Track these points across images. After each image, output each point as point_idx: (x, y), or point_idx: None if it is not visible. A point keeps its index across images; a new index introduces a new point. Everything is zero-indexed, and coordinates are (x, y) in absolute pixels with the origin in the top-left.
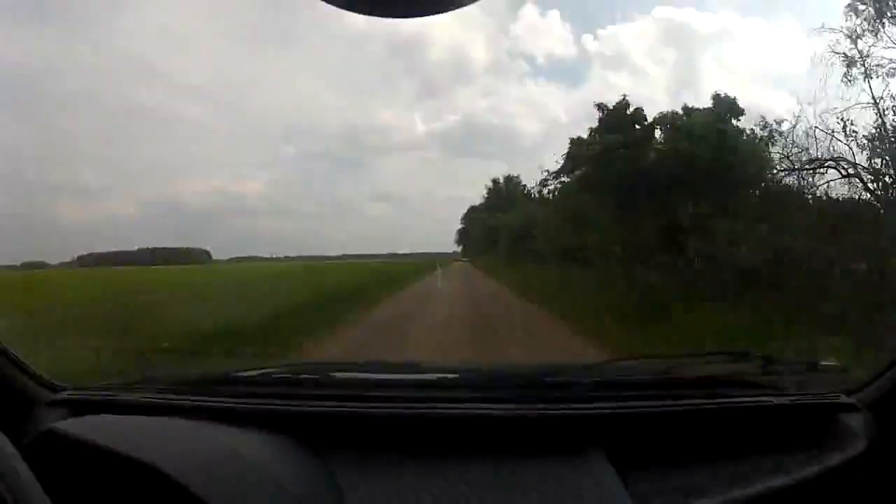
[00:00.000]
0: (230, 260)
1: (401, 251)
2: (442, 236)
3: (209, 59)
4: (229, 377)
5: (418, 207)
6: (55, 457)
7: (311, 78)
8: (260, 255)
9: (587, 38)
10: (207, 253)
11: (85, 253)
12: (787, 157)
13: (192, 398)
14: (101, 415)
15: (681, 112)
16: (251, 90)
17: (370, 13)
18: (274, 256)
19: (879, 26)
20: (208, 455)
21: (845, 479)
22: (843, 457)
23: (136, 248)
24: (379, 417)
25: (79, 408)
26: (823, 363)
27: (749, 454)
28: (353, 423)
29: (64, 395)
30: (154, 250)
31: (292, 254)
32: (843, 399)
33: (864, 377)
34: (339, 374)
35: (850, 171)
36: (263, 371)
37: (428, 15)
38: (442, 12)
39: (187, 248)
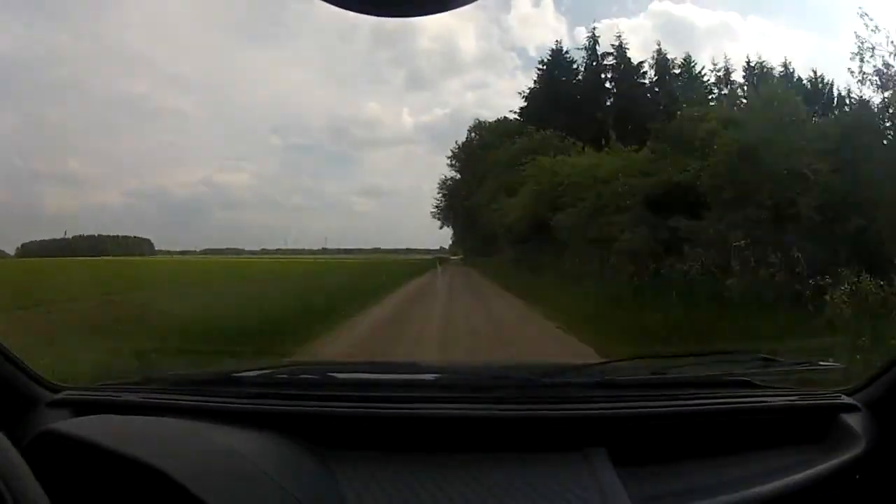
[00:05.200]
0: (203, 251)
1: (385, 247)
2: (429, 233)
3: (196, 49)
4: (229, 377)
5: (405, 203)
6: (55, 457)
7: (297, 67)
8: (239, 247)
9: (581, 32)
10: (149, 243)
11: (27, 241)
12: None
13: (192, 398)
14: (101, 415)
15: None
16: (238, 80)
17: (364, 12)
18: (247, 249)
19: None
20: (208, 455)
21: (845, 479)
22: (843, 457)
23: (70, 236)
24: (379, 417)
25: (79, 408)
26: (823, 363)
27: (749, 454)
28: (352, 423)
29: (64, 395)
30: (89, 238)
31: (270, 247)
32: (843, 399)
33: (864, 377)
34: (338, 375)
35: None
36: (263, 371)
37: (425, 14)
38: (438, 12)
39: (125, 237)
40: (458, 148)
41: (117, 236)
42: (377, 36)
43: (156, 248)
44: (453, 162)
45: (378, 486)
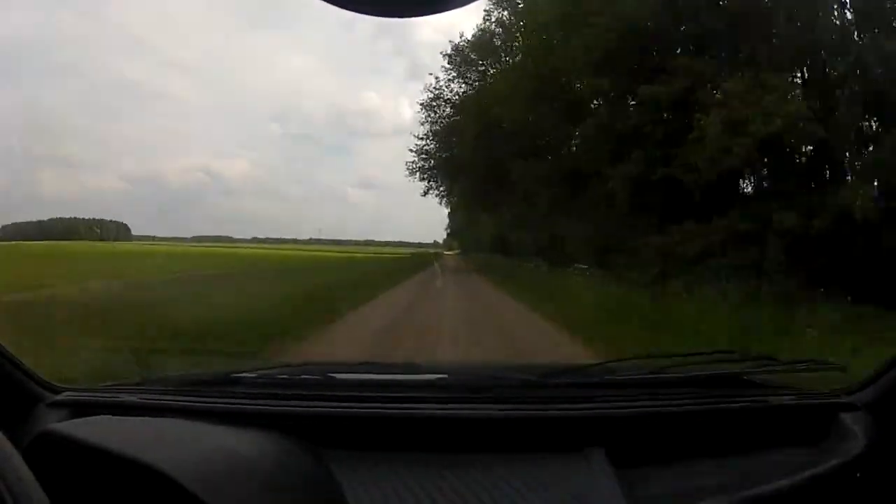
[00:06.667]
0: (194, 238)
1: (378, 239)
2: (421, 227)
3: (197, 35)
4: (229, 378)
5: (400, 195)
6: (55, 457)
7: (299, 55)
8: (230, 235)
9: None
10: (125, 228)
11: (8, 223)
12: None
13: (192, 398)
14: (101, 415)
15: None
16: (239, 66)
17: (364, 11)
18: (238, 238)
19: None
20: (208, 455)
21: (845, 479)
22: (843, 457)
23: (47, 218)
24: (379, 418)
25: (79, 408)
26: (823, 363)
27: (749, 454)
28: (353, 423)
29: (64, 395)
30: (64, 221)
31: (261, 235)
32: (843, 399)
33: (864, 377)
34: (339, 375)
35: None
36: (263, 371)
37: (426, 14)
38: (440, 11)
39: (100, 220)
40: (467, 42)
41: (92, 219)
42: (379, 25)
43: (132, 234)
44: (451, 67)
45: (378, 487)
